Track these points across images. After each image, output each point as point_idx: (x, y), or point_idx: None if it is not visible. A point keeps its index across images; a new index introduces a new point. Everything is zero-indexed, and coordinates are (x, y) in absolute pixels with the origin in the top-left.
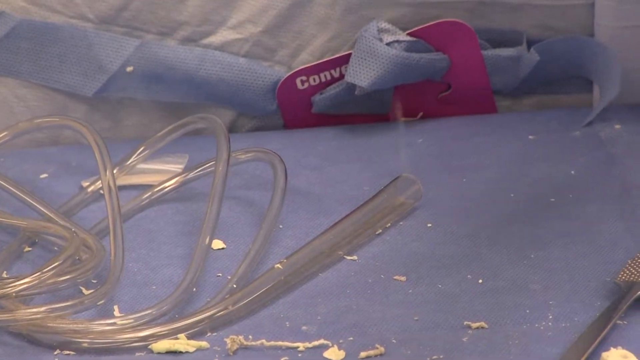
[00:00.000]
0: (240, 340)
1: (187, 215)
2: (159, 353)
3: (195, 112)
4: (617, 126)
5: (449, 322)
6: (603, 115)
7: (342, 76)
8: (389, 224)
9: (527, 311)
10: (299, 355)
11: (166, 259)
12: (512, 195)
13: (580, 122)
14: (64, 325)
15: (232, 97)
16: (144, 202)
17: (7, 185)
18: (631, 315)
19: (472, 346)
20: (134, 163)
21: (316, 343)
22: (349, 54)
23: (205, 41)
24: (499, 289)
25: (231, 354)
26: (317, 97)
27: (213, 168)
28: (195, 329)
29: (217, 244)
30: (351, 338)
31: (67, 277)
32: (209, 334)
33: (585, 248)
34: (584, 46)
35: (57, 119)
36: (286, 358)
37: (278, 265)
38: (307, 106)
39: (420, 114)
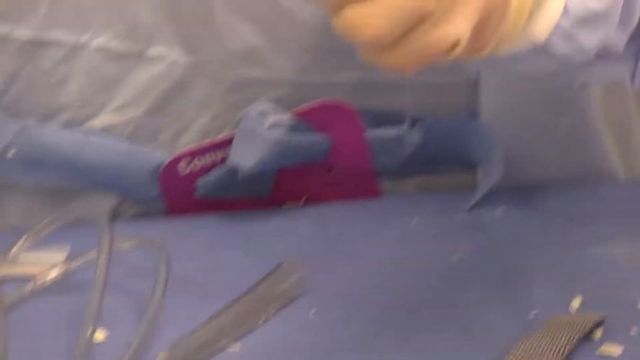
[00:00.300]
0: None
1: (70, 306)
2: None
3: (78, 197)
4: (500, 209)
5: None
6: (486, 198)
7: (225, 159)
8: (273, 312)
9: None
10: None
11: (49, 352)
12: (394, 281)
13: (463, 205)
14: None
15: (115, 181)
16: (25, 294)
17: None
18: None
19: None
20: (15, 254)
21: None
22: (232, 136)
23: (87, 124)
24: None
25: None
26: (200, 181)
27: (95, 257)
28: None
29: (100, 334)
30: None
31: None
32: None
33: (466, 335)
34: (467, 127)
35: None
36: None
37: (160, 356)
38: (191, 190)
39: (304, 197)
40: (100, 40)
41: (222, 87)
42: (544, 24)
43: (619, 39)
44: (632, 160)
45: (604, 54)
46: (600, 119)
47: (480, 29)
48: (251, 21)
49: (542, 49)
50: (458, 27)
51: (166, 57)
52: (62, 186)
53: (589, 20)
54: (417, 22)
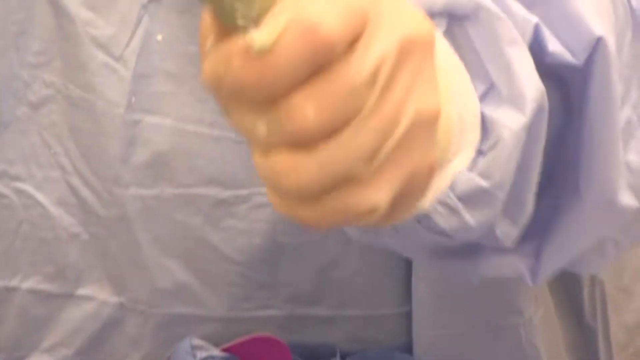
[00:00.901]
0: None
1: None
2: None
3: None
4: None
5: None
6: None
7: None
8: None
9: None
10: None
11: None
12: None
13: None
14: None
15: None
16: None
17: None
18: None
19: None
20: None
21: None
22: None
23: None
24: None
25: None
26: None
27: None
28: None
29: None
30: None
31: None
32: None
33: None
34: None
35: None
36: None
37: None
38: None
39: None
40: (30, 283)
41: (151, 325)
42: (429, 195)
43: (509, 230)
44: None
45: (496, 247)
46: (539, 344)
47: (402, 198)
48: (179, 258)
49: (423, 220)
50: (379, 194)
51: (96, 296)
52: None
53: (473, 196)
54: (344, 182)
